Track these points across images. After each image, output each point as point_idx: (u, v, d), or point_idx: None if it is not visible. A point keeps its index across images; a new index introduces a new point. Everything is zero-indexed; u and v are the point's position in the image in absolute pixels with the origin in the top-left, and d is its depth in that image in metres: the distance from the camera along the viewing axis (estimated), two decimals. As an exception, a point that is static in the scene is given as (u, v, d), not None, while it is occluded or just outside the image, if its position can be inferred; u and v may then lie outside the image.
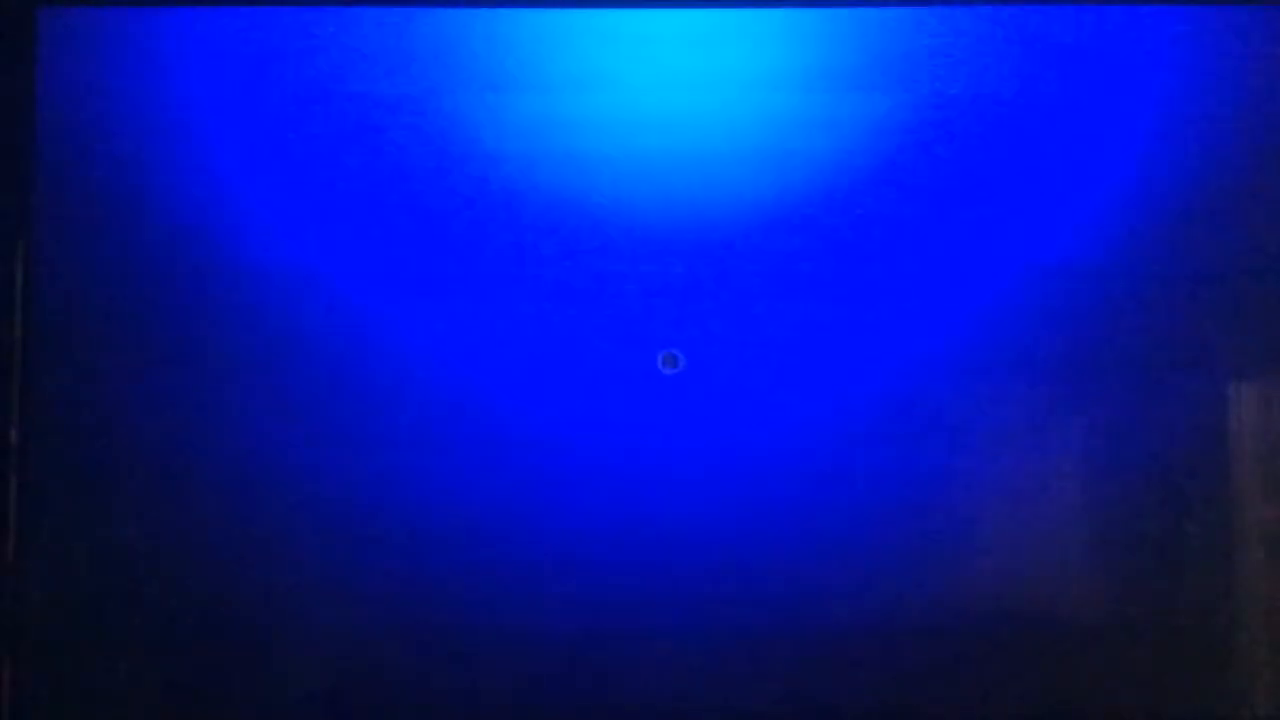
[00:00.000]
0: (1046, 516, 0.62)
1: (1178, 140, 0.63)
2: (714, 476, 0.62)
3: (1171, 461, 0.62)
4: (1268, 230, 0.63)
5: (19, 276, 0.63)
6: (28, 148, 0.63)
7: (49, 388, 0.62)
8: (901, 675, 0.61)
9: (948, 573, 0.62)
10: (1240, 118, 0.63)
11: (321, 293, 0.63)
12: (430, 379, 0.62)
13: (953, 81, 0.64)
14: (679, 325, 0.63)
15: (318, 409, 0.62)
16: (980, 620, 0.61)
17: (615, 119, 0.64)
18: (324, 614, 0.61)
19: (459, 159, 0.63)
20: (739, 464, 0.62)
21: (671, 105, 0.64)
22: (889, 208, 0.63)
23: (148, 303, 0.63)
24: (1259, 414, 0.62)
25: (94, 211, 0.63)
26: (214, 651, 0.61)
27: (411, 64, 0.64)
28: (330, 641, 0.61)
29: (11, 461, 0.62)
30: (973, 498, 0.62)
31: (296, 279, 0.63)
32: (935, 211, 0.63)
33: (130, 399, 0.62)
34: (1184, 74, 0.63)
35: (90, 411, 0.62)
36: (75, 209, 0.63)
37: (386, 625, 0.61)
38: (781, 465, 0.62)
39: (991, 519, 0.62)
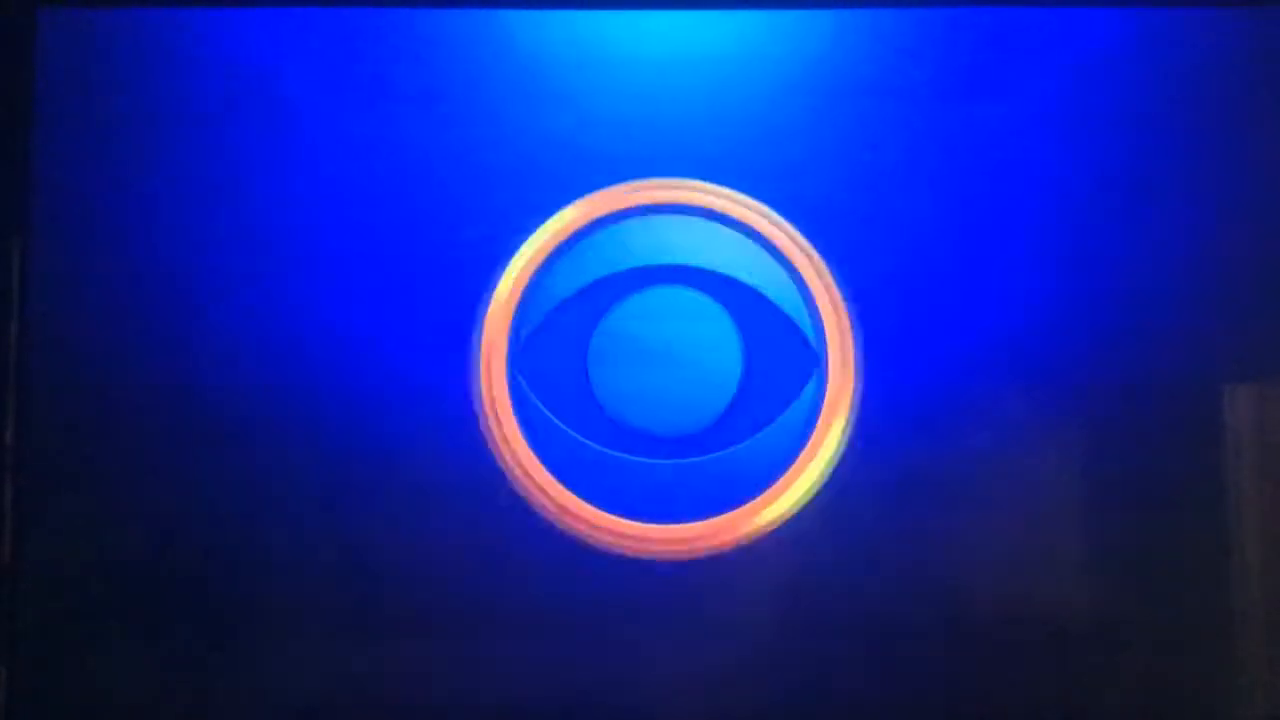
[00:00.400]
0: (1044, 516, 0.62)
1: (1179, 140, 0.64)
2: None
3: (1172, 461, 0.62)
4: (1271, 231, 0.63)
5: (16, 276, 0.63)
6: (27, 148, 0.63)
7: (46, 388, 0.62)
8: (900, 676, 0.61)
9: (946, 573, 0.62)
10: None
11: (324, 292, 0.63)
12: (448, 388, 0.62)
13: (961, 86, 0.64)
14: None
15: (322, 410, 0.62)
16: (979, 621, 0.61)
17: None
18: (327, 615, 0.61)
19: (482, 169, 0.63)
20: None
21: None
22: (883, 211, 0.63)
23: (147, 303, 0.62)
24: (1261, 414, 0.62)
25: (93, 212, 0.63)
26: (214, 652, 0.61)
27: (424, 67, 0.64)
28: (333, 644, 0.61)
29: (8, 462, 0.62)
30: (971, 498, 0.62)
31: (298, 278, 0.63)
32: (930, 214, 0.63)
33: (129, 399, 0.62)
34: (1197, 76, 0.64)
35: (89, 411, 0.62)
36: (74, 209, 0.63)
37: (393, 627, 0.61)
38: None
39: (991, 518, 0.62)
